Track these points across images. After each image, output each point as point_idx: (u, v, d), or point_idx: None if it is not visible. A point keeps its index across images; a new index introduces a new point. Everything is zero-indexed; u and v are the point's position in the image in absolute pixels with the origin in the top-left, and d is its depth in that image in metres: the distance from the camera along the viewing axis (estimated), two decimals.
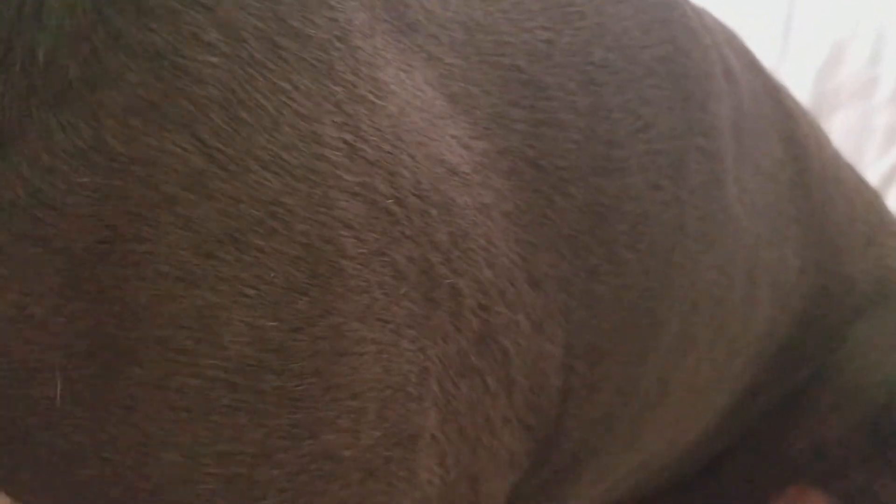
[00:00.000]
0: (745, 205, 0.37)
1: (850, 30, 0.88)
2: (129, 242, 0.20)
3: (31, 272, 0.20)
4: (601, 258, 0.30)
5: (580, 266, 0.30)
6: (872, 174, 0.75)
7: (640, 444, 0.36)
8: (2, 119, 0.20)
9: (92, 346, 0.21)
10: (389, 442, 0.24)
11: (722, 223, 0.35)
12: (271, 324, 0.21)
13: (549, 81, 0.29)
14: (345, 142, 0.23)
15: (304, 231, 0.22)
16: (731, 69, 0.39)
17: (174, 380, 0.21)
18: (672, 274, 0.33)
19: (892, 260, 0.47)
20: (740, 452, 0.43)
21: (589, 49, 0.31)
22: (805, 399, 0.43)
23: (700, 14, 0.40)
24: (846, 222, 0.45)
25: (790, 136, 0.42)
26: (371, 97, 0.24)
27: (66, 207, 0.20)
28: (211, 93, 0.21)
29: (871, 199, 0.49)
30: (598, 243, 0.30)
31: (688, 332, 0.35)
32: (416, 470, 0.25)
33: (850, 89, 0.84)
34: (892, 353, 0.44)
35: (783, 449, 0.43)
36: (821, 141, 0.46)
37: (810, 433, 0.43)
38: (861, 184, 0.49)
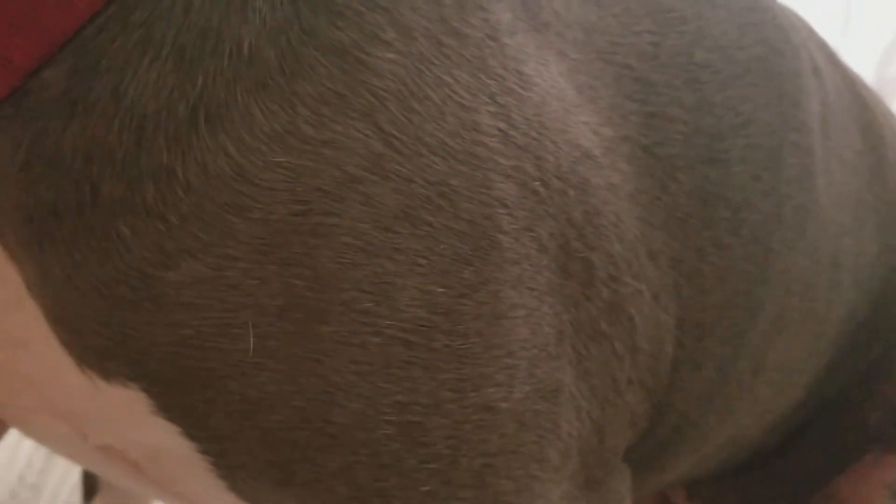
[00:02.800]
0: (831, 195, 0.39)
1: None
2: (318, 216, 0.23)
3: (229, 238, 0.23)
4: (707, 241, 0.33)
5: (689, 246, 0.32)
6: None
7: (733, 419, 0.39)
8: (211, 101, 0.23)
9: (282, 306, 0.24)
10: (537, 396, 0.27)
11: (812, 213, 0.38)
12: (441, 290, 0.24)
13: (657, 79, 0.32)
14: (499, 129, 0.25)
15: (468, 209, 0.24)
16: (817, 66, 0.41)
17: (357, 337, 0.24)
18: (769, 259, 0.35)
19: None
20: (818, 425, 0.46)
21: (691, 50, 0.34)
22: (880, 372, 0.45)
23: (786, 13, 0.42)
24: None
25: (867, 127, 0.45)
26: (518, 89, 0.26)
27: (264, 182, 0.23)
28: (388, 85, 0.24)
29: None
30: (704, 227, 0.33)
31: (781, 313, 0.37)
32: (559, 423, 0.27)
33: None
34: None
35: (860, 419, 0.45)
36: (895, 128, 0.48)
37: (888, 402, 0.45)
38: None
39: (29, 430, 0.33)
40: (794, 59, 0.38)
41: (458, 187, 0.24)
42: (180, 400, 0.25)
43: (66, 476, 0.60)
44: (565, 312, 0.27)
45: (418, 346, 0.24)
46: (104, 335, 0.25)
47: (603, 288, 0.28)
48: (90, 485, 0.47)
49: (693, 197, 0.32)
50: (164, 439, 0.27)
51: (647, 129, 0.31)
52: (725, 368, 0.36)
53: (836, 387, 0.45)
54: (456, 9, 0.25)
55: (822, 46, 0.45)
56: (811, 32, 0.45)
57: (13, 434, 0.57)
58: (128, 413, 0.27)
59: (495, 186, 0.25)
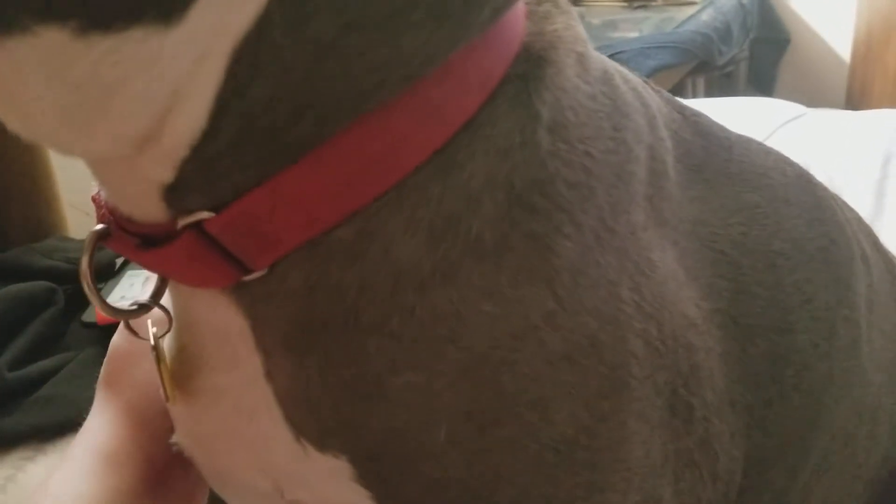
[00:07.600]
0: (872, 361, 0.48)
1: None
2: (505, 351, 0.32)
3: (441, 359, 0.32)
4: (774, 394, 0.41)
5: (759, 397, 0.41)
6: None
7: None
8: (446, 264, 0.31)
9: (470, 411, 0.32)
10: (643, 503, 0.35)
11: (857, 374, 0.46)
12: (585, 414, 0.33)
13: (744, 262, 0.41)
14: (634, 300, 0.35)
15: (610, 358, 0.33)
16: (865, 254, 0.50)
17: (522, 441, 0.32)
18: (821, 411, 0.44)
19: None
20: None
21: (771, 240, 0.43)
22: None
23: (841, 207, 0.52)
24: None
25: None
26: (647, 271, 0.36)
27: (472, 323, 0.32)
28: (563, 263, 0.33)
29: None
30: (773, 382, 0.41)
31: (827, 456, 0.45)
32: None
33: None
34: None
35: None
36: None
37: None
38: None
39: (230, 483, 0.41)
40: (848, 250, 0.48)
41: (605, 341, 0.33)
42: (378, 472, 0.34)
43: None
44: (670, 443, 0.36)
45: (564, 453, 0.33)
46: (334, 418, 0.33)
47: (699, 426, 0.37)
48: None
49: (766, 358, 0.41)
50: (356, 501, 0.35)
51: (735, 302, 0.40)
52: (781, 498, 0.44)
53: None
54: (610, 212, 0.35)
55: (869, 235, 0.54)
56: (860, 222, 0.55)
57: None
58: (329, 477, 0.35)
59: (630, 342, 0.34)
